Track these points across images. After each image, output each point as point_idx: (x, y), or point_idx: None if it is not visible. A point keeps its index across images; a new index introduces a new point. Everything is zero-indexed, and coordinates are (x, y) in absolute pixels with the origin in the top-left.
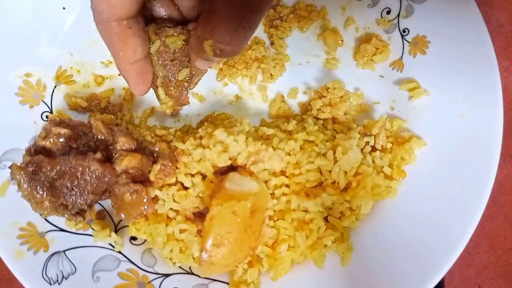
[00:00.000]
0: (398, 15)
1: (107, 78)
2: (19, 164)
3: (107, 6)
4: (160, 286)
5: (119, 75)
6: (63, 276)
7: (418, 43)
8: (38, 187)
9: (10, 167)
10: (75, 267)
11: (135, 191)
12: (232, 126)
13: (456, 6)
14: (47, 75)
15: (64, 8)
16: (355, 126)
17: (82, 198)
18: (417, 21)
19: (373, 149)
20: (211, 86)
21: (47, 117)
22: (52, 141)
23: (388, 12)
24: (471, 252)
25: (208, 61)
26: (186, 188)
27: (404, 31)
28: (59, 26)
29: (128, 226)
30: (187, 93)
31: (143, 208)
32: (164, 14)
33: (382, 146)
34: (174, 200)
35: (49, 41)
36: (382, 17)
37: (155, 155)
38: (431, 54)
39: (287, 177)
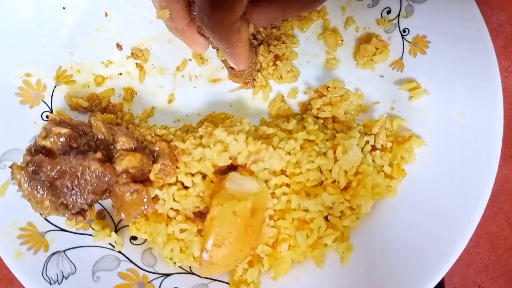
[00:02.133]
0: (398, 15)
1: (107, 78)
2: (19, 164)
3: (172, 23)
4: (160, 286)
5: (119, 74)
6: (63, 276)
7: (418, 43)
8: (39, 187)
9: (10, 167)
10: (75, 267)
11: (135, 191)
12: (232, 125)
13: (456, 6)
14: (47, 75)
15: (64, 8)
16: (355, 125)
17: (82, 198)
18: (417, 21)
19: (373, 148)
20: (212, 85)
21: (47, 117)
22: (52, 141)
23: (388, 12)
24: (471, 252)
25: None
26: (186, 188)
27: (404, 31)
28: (59, 26)
29: (128, 225)
30: None
31: (143, 207)
32: None
33: (382, 145)
34: (174, 200)
35: (49, 41)
36: (382, 17)
37: (155, 154)
38: (431, 54)
39: (287, 176)
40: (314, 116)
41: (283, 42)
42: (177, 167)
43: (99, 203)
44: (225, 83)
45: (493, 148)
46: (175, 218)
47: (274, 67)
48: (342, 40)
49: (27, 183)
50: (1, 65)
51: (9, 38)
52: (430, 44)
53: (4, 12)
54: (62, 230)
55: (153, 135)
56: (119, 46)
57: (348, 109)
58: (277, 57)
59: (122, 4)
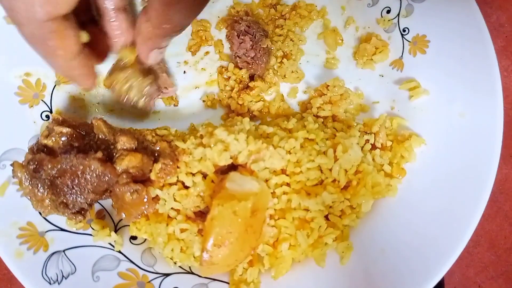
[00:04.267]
0: (398, 15)
1: None
2: (20, 162)
3: (45, 5)
4: (160, 285)
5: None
6: (63, 275)
7: (418, 42)
8: (39, 185)
9: (12, 165)
10: (75, 267)
11: (136, 191)
12: (232, 124)
13: (456, 5)
14: (47, 75)
15: None
16: (355, 124)
17: (82, 197)
18: (417, 21)
19: (373, 147)
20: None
21: (47, 116)
22: (54, 140)
23: (388, 12)
24: (471, 252)
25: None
26: (187, 188)
27: (404, 31)
28: None
29: (128, 225)
30: None
31: (143, 207)
32: None
33: (382, 144)
34: (175, 200)
35: None
36: (382, 17)
37: (156, 154)
38: (431, 54)
39: (287, 175)
40: (314, 115)
41: (291, 40)
42: (177, 167)
43: (99, 203)
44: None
45: (493, 148)
46: (175, 218)
47: (279, 65)
48: (342, 40)
49: (28, 181)
50: (1, 65)
51: (9, 38)
52: (430, 43)
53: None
54: (62, 230)
55: (154, 135)
56: None
57: (348, 109)
58: (284, 55)
59: None
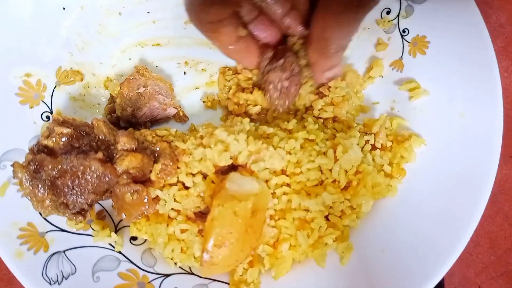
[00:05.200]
0: (398, 15)
1: (107, 78)
2: (21, 163)
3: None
4: (160, 286)
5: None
6: (63, 276)
7: (418, 43)
8: (40, 186)
9: (12, 165)
10: (75, 267)
11: (136, 192)
12: (232, 125)
13: (456, 6)
14: (47, 75)
15: (64, 9)
16: (355, 125)
17: (82, 198)
18: (417, 21)
19: (373, 147)
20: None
21: (47, 117)
22: (54, 140)
23: (388, 12)
24: (471, 252)
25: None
26: (187, 188)
27: (404, 31)
28: (59, 26)
29: (128, 226)
30: None
31: (144, 208)
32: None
33: (382, 145)
34: (175, 200)
35: (49, 41)
36: (382, 17)
37: (156, 155)
38: (431, 54)
39: (287, 176)
40: (314, 116)
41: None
42: (178, 167)
43: (99, 203)
44: None
45: (493, 148)
46: (175, 219)
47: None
48: None
49: (28, 181)
50: (1, 65)
51: (9, 38)
52: (430, 44)
53: (4, 12)
54: (62, 230)
55: (154, 135)
56: None
57: (348, 109)
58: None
59: (122, 5)
